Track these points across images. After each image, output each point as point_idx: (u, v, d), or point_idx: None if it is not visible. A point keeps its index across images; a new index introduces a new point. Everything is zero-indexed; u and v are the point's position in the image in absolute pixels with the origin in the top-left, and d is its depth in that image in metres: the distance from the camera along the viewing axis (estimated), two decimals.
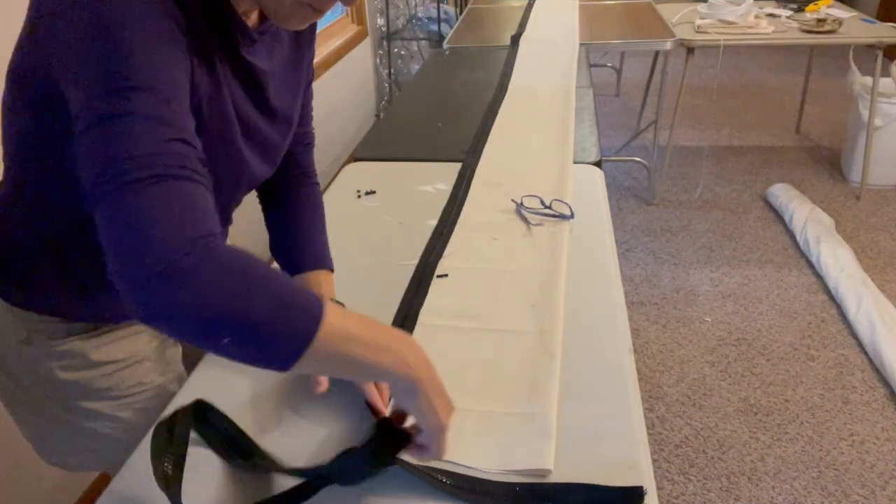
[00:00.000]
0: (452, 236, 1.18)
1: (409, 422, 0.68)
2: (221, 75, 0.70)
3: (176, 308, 0.52)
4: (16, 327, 0.82)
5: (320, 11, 0.68)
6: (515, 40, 2.45)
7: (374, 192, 1.36)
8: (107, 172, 0.54)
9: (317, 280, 0.91)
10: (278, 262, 0.94)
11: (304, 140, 0.98)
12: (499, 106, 1.78)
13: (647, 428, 1.58)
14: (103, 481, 1.09)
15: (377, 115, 4.01)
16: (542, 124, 1.64)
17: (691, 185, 3.33)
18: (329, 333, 0.56)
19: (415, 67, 4.11)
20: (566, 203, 1.23)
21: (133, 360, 0.88)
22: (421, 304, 0.99)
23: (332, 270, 0.94)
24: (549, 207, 1.23)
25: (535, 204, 1.25)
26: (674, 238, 2.90)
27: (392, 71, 4.04)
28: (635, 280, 2.61)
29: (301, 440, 0.77)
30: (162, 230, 0.53)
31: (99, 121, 0.55)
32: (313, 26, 0.86)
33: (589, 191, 1.33)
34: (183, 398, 0.85)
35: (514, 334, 0.92)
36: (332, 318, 0.57)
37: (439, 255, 1.11)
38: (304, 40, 0.87)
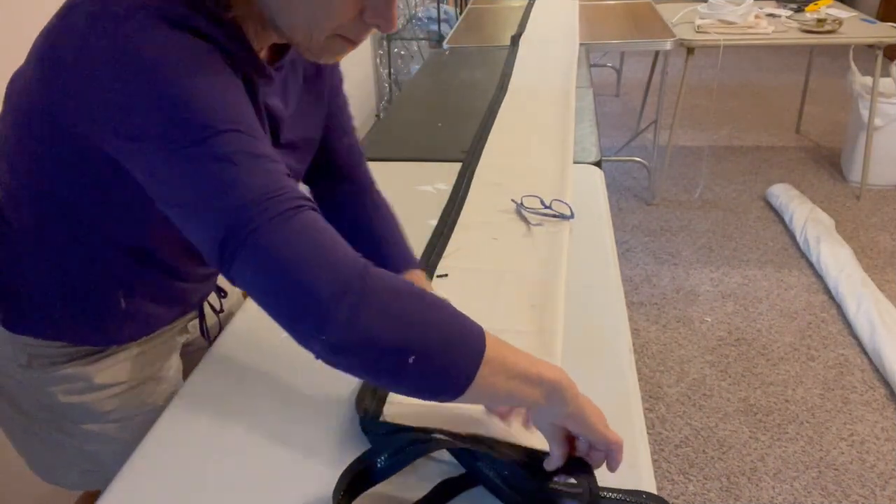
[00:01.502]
0: (452, 236, 1.18)
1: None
2: None
3: (365, 322, 0.52)
4: (16, 353, 0.80)
5: (356, 43, 0.65)
6: (515, 40, 2.44)
7: None
8: (241, 219, 0.53)
9: (414, 279, 0.87)
10: None
11: (353, 151, 0.93)
12: (499, 106, 1.78)
13: (647, 428, 1.58)
14: (87, 498, 1.09)
15: (377, 115, 4.01)
16: (542, 124, 1.64)
17: (691, 185, 3.33)
18: (490, 358, 0.57)
19: (415, 67, 4.11)
20: (566, 203, 1.23)
21: (137, 381, 0.86)
22: None
23: (422, 269, 0.91)
24: (549, 207, 1.23)
25: (535, 204, 1.25)
26: (674, 238, 2.90)
27: (392, 71, 4.04)
28: (635, 280, 2.61)
29: (300, 447, 0.77)
30: (328, 254, 0.53)
31: (196, 173, 0.54)
32: None
33: (589, 191, 1.33)
34: (174, 409, 0.84)
35: (514, 334, 0.91)
36: (491, 341, 0.58)
37: (439, 255, 1.11)
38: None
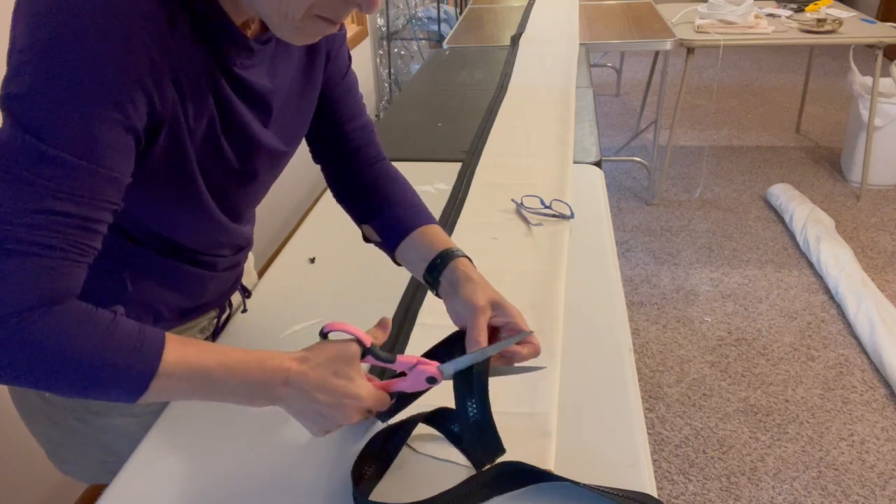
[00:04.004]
0: (452, 236, 1.17)
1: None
2: (213, 91, 0.66)
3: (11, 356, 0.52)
4: None
5: (336, 23, 0.61)
6: (515, 40, 2.45)
7: None
8: None
9: (431, 233, 0.85)
10: (386, 245, 0.88)
11: (363, 132, 0.90)
12: (499, 106, 1.78)
13: (647, 428, 1.58)
14: (95, 489, 1.09)
15: (377, 115, 4.01)
16: (541, 124, 1.64)
17: (691, 185, 3.33)
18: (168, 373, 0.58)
19: (415, 67, 4.11)
20: (566, 203, 1.23)
21: None
22: (420, 304, 0.99)
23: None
24: (549, 207, 1.23)
25: (535, 204, 1.25)
26: (674, 238, 2.90)
27: (392, 71, 4.04)
28: (635, 280, 2.61)
29: (302, 437, 0.77)
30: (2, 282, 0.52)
31: None
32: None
33: (589, 191, 1.34)
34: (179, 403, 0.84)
35: None
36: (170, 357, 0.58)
37: None
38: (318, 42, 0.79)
